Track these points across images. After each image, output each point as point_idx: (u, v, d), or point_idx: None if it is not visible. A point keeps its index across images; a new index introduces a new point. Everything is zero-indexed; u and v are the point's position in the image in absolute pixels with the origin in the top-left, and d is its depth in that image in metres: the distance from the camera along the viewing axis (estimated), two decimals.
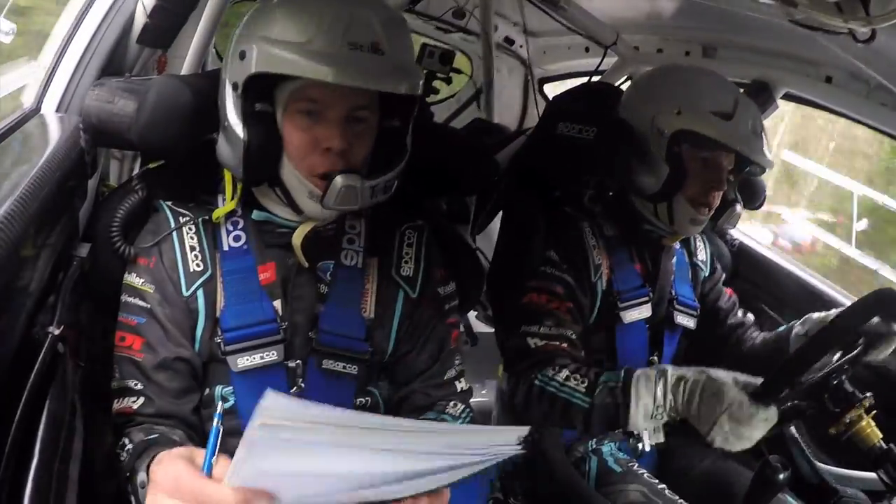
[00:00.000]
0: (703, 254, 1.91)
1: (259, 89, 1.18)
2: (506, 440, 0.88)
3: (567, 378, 1.50)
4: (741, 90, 1.68)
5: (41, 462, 0.87)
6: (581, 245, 1.68)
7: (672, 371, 1.39)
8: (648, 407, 1.39)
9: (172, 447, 1.00)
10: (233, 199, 1.29)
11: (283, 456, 0.77)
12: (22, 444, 0.85)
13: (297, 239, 1.28)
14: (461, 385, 1.44)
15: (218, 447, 0.87)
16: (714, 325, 1.87)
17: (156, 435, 1.15)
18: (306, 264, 1.30)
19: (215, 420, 0.92)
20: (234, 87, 1.19)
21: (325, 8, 1.15)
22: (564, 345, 1.59)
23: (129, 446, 1.13)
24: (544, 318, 1.61)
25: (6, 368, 0.89)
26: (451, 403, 1.40)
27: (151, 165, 1.37)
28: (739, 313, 1.91)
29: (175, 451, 0.92)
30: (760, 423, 1.27)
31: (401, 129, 1.28)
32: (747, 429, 1.27)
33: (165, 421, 1.23)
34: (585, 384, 1.48)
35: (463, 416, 1.39)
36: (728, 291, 1.93)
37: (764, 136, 1.60)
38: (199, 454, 0.88)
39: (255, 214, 1.29)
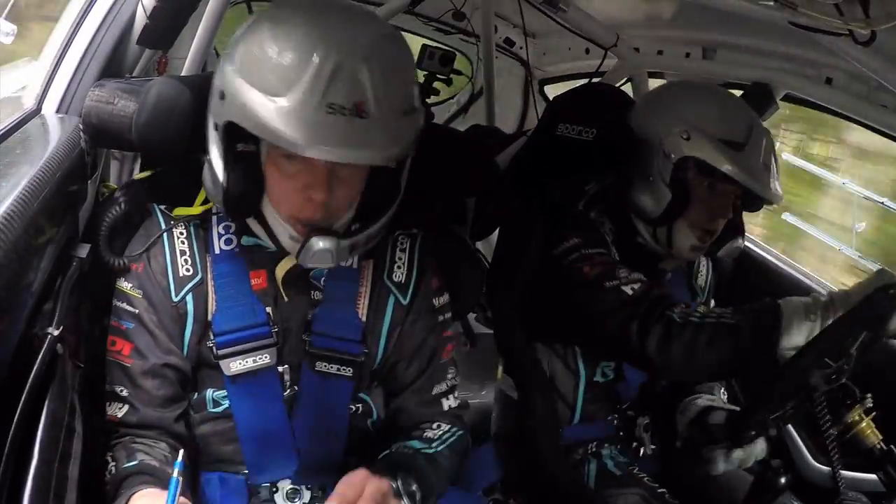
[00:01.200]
0: (702, 278, 1.86)
1: (242, 130, 1.10)
2: None
3: (704, 311, 1.44)
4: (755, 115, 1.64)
5: (41, 462, 0.87)
6: (601, 238, 1.64)
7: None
8: (800, 306, 1.33)
9: (149, 479, 1.11)
10: (203, 203, 1.29)
11: None
12: (22, 445, 0.85)
13: (279, 272, 1.26)
14: (449, 402, 1.40)
15: (177, 497, 0.97)
16: None
17: (135, 462, 1.15)
18: (286, 298, 1.28)
19: (175, 470, 0.99)
20: (215, 126, 1.15)
21: (310, 54, 1.04)
22: (654, 288, 1.52)
23: (112, 468, 1.16)
24: (614, 271, 1.53)
25: (6, 369, 0.89)
26: (435, 425, 1.36)
27: (137, 176, 1.37)
28: None
29: (143, 500, 1.04)
30: None
31: (395, 171, 1.21)
32: None
33: (148, 432, 1.22)
34: (728, 309, 1.42)
35: (443, 437, 1.34)
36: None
37: (775, 167, 1.56)
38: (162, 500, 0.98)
39: (245, 240, 1.28)
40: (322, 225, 1.17)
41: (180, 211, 1.30)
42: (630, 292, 1.49)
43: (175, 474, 0.98)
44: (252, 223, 1.24)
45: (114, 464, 1.17)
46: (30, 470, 0.85)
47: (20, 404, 0.88)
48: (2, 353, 0.89)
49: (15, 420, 0.86)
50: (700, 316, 1.42)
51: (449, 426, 1.37)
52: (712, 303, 1.89)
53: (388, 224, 1.25)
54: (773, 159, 1.57)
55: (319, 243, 1.15)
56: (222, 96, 1.12)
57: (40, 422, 0.92)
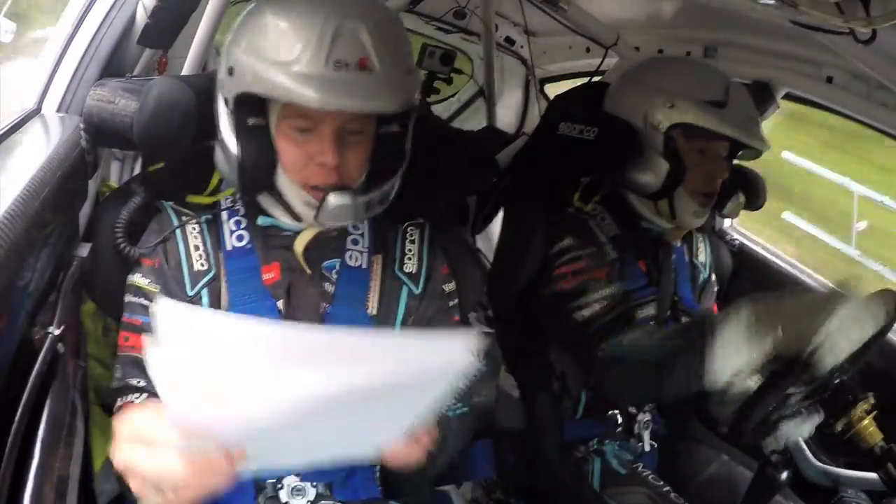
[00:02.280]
0: (703, 255, 1.90)
1: (251, 104, 1.17)
2: (453, 346, 0.78)
3: (633, 338, 1.47)
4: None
5: (41, 462, 0.87)
6: (594, 237, 1.67)
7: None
8: (734, 333, 1.23)
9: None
10: (211, 194, 1.31)
11: (195, 377, 0.75)
12: (23, 444, 0.86)
13: (298, 246, 1.28)
14: None
15: None
16: None
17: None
18: (308, 271, 1.30)
19: None
20: (226, 102, 1.19)
21: (311, 21, 1.12)
22: (619, 304, 1.55)
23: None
24: (587, 286, 1.58)
25: (7, 369, 0.89)
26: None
27: (150, 168, 1.37)
28: None
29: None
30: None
31: (399, 133, 1.27)
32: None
33: None
34: (655, 335, 1.45)
35: (454, 407, 1.37)
36: (713, 308, 1.92)
37: (758, 118, 1.61)
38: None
39: (261, 220, 1.29)
40: (334, 187, 1.20)
41: (193, 198, 1.31)
42: (587, 315, 1.57)
43: None
44: (265, 200, 1.26)
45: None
46: (31, 469, 0.85)
47: (21, 403, 0.88)
48: (3, 352, 0.89)
49: (16, 419, 0.86)
50: (625, 348, 1.46)
51: (462, 403, 1.39)
52: (713, 277, 1.91)
53: (399, 188, 1.28)
54: (754, 110, 1.61)
55: (337, 199, 1.19)
56: (231, 72, 1.16)
57: (41, 421, 0.92)
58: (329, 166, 1.18)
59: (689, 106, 1.56)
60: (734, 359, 1.22)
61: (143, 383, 1.22)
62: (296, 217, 1.25)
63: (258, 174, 1.21)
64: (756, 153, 1.67)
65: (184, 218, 1.30)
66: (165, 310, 0.70)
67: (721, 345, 1.22)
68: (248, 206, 1.31)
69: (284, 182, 1.22)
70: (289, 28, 1.12)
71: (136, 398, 1.22)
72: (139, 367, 1.23)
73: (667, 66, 1.71)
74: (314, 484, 1.32)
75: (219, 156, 1.26)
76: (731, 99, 1.57)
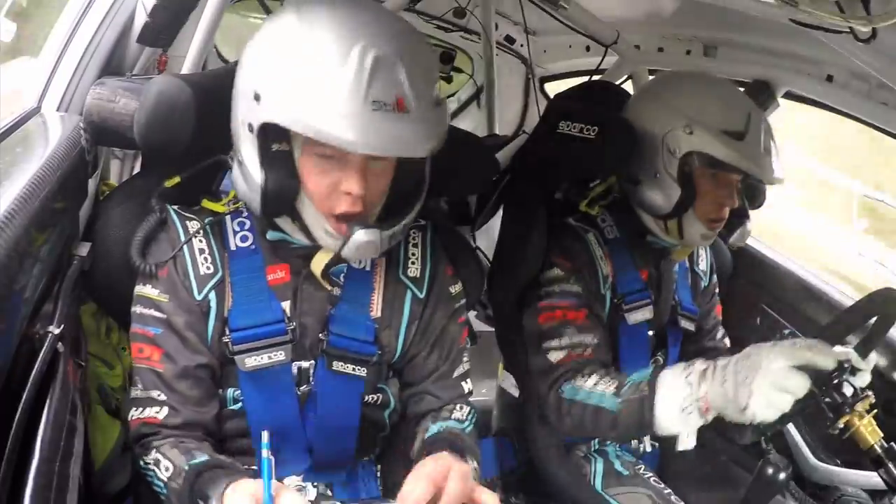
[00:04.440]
0: (704, 263, 1.91)
1: (275, 129, 1.13)
2: None
3: (596, 384, 1.51)
4: (751, 101, 1.65)
5: (41, 461, 0.87)
6: (588, 256, 1.67)
7: (701, 362, 1.38)
8: (677, 398, 1.36)
9: (232, 471, 1.11)
10: (228, 204, 1.30)
11: None
12: (23, 443, 0.85)
13: (317, 269, 1.26)
14: (468, 386, 1.45)
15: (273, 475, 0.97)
16: (690, 341, 1.86)
17: (205, 458, 1.15)
18: (330, 288, 1.30)
19: (265, 452, 0.98)
20: (249, 127, 1.15)
21: (347, 46, 1.07)
22: (588, 351, 1.58)
23: (169, 466, 1.16)
24: (563, 330, 1.61)
25: (6, 368, 0.89)
26: (458, 407, 1.41)
27: (168, 183, 1.35)
28: (718, 335, 1.92)
29: (242, 486, 1.01)
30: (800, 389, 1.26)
31: (421, 160, 1.24)
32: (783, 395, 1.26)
33: (192, 433, 1.24)
34: (615, 385, 1.48)
35: (469, 418, 1.40)
36: (717, 310, 1.92)
37: (774, 149, 1.58)
38: (260, 487, 0.98)
39: (270, 235, 1.28)
40: (358, 218, 1.18)
41: (208, 204, 1.31)
42: (556, 359, 1.60)
43: (265, 455, 0.98)
44: (281, 220, 1.25)
45: (169, 462, 1.16)
46: (31, 468, 0.85)
47: (21, 403, 0.88)
48: (2, 351, 0.89)
49: (16, 418, 0.86)
50: (585, 394, 1.52)
51: (469, 407, 1.42)
52: (714, 278, 1.92)
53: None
54: (772, 142, 1.59)
55: (364, 236, 1.17)
56: (257, 98, 1.12)
57: (41, 420, 0.92)
58: (355, 195, 1.16)
59: (708, 135, 1.55)
60: (676, 417, 1.37)
61: (163, 397, 1.23)
62: (314, 241, 1.24)
63: (282, 201, 1.19)
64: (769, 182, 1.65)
65: (188, 224, 1.29)
66: None
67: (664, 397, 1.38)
68: (259, 220, 1.29)
69: (307, 208, 1.20)
70: (324, 55, 1.07)
71: (157, 412, 1.23)
72: (159, 378, 1.24)
73: (690, 87, 1.68)
74: (315, 484, 1.32)
75: (237, 179, 1.24)
76: (751, 129, 1.55)
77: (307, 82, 1.07)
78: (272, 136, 1.15)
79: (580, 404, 1.52)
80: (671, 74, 1.82)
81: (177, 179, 1.35)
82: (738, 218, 1.68)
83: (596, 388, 1.50)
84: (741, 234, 1.70)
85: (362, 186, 1.15)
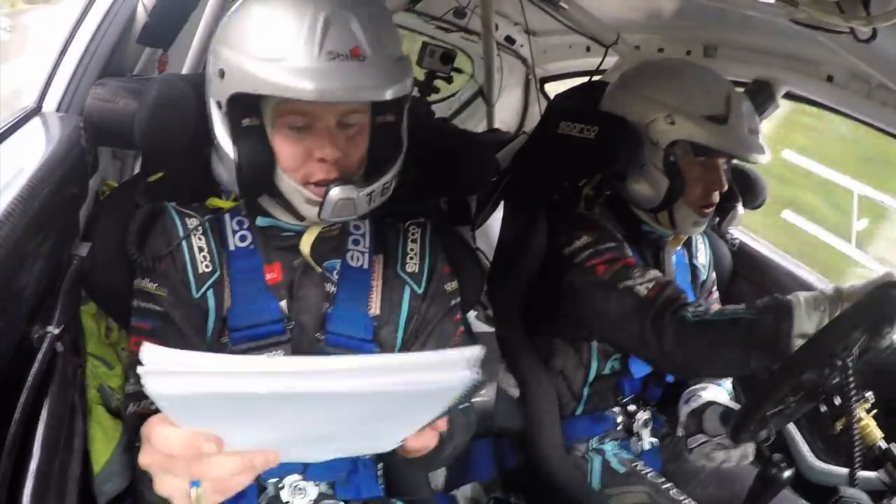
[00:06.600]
0: (703, 256, 1.91)
1: (244, 104, 1.16)
2: (453, 366, 0.76)
3: (718, 309, 1.46)
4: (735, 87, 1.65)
5: (42, 460, 0.87)
6: (612, 234, 1.65)
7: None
8: (810, 298, 1.31)
9: None
10: (235, 200, 1.30)
11: (194, 410, 0.74)
12: (22, 443, 0.86)
13: (304, 247, 1.27)
14: None
15: None
16: None
17: None
18: (318, 269, 1.30)
19: None
20: (219, 105, 1.18)
21: (301, 14, 1.11)
22: (672, 286, 1.52)
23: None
24: (630, 272, 1.54)
25: (5, 368, 0.89)
26: None
27: (150, 178, 1.35)
28: None
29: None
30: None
31: (395, 122, 1.27)
32: None
33: None
34: (740, 307, 1.42)
35: (464, 409, 1.39)
36: (715, 307, 1.92)
37: (758, 128, 1.59)
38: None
39: (260, 221, 1.29)
40: (336, 183, 1.19)
41: (213, 202, 1.31)
42: (644, 292, 1.50)
43: None
44: (266, 201, 1.26)
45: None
46: (30, 467, 0.85)
47: (20, 402, 0.88)
48: (2, 351, 0.89)
49: (15, 418, 0.86)
50: (713, 314, 1.44)
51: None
52: (714, 274, 1.92)
53: (399, 177, 1.27)
54: (756, 122, 1.59)
55: (340, 193, 1.18)
56: (222, 74, 1.15)
57: (40, 420, 0.92)
58: (329, 160, 1.17)
59: (689, 122, 1.55)
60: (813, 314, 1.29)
61: None
62: (298, 216, 1.24)
63: (257, 175, 1.20)
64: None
65: (187, 220, 1.29)
66: (152, 355, 0.69)
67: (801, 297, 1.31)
68: (248, 206, 1.30)
69: (284, 181, 1.21)
70: (278, 23, 1.11)
71: (152, 405, 1.22)
72: None
73: (667, 76, 1.68)
74: (316, 483, 1.32)
75: (215, 163, 1.25)
76: (732, 111, 1.55)
77: (264, 48, 1.11)
78: (242, 112, 1.17)
79: (708, 322, 1.41)
80: (646, 65, 1.81)
81: (160, 175, 1.35)
82: (729, 202, 1.68)
83: (725, 308, 1.44)
84: (732, 219, 1.70)
85: (336, 151, 1.17)
